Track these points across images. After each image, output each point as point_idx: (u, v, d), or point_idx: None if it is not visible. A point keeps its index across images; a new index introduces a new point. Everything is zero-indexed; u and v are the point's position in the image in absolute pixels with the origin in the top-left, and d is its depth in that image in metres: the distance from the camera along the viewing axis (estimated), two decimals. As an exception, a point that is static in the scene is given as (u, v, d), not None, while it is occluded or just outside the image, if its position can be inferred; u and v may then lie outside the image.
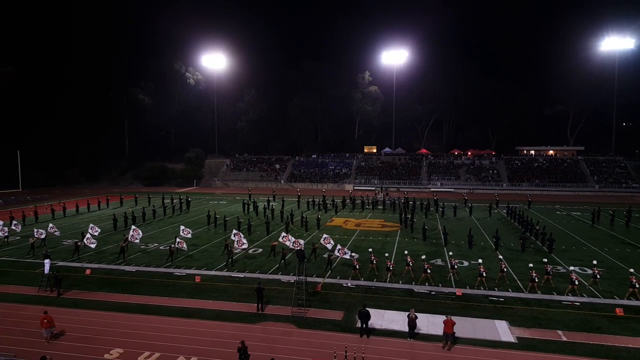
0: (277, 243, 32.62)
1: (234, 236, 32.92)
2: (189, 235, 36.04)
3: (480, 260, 27.33)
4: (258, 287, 22.15)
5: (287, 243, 31.53)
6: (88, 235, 33.11)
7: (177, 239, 32.92)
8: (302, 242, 31.39)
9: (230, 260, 30.41)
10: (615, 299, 23.66)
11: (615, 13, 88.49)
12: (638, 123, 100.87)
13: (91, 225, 36.83)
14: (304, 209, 53.90)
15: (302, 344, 18.74)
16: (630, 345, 18.46)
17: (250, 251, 34.04)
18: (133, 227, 35.93)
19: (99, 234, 36.60)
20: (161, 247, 35.07)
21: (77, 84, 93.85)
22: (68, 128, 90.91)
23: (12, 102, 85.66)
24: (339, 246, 29.20)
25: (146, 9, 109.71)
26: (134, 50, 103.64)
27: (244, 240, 32.73)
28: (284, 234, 33.06)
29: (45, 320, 18.63)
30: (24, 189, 78.84)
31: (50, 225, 38.50)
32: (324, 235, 32.17)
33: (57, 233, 37.74)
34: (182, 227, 36.69)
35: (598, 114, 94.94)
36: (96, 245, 33.06)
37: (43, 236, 35.27)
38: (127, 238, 33.77)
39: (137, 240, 34.14)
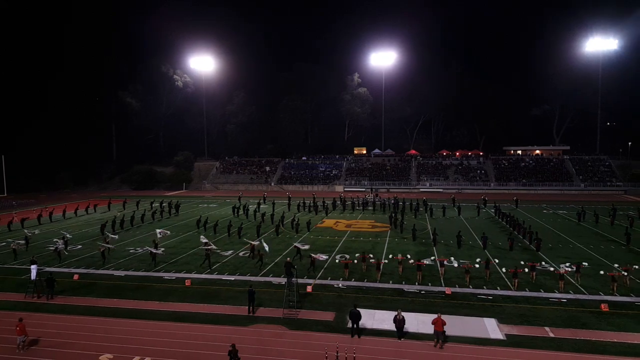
0: (256, 243, 33.04)
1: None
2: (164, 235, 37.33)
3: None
4: (250, 289, 22.19)
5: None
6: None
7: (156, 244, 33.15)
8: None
9: (207, 262, 30.47)
10: (600, 295, 24.08)
11: (598, 14, 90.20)
12: (622, 122, 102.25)
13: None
14: (294, 211, 53.93)
15: (294, 345, 18.83)
16: (616, 340, 18.84)
17: (240, 254, 34.03)
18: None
19: (86, 239, 36.39)
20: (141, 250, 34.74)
21: (65, 88, 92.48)
22: (56, 132, 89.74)
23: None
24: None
25: (133, 11, 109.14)
26: (122, 53, 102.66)
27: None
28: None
29: (18, 328, 18.37)
30: (9, 194, 77.65)
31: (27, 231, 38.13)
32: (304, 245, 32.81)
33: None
34: (158, 231, 37.28)
35: (583, 114, 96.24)
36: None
37: (22, 242, 35.29)
38: (107, 241, 34.36)
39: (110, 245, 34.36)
